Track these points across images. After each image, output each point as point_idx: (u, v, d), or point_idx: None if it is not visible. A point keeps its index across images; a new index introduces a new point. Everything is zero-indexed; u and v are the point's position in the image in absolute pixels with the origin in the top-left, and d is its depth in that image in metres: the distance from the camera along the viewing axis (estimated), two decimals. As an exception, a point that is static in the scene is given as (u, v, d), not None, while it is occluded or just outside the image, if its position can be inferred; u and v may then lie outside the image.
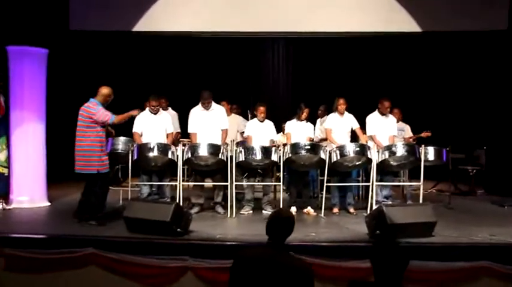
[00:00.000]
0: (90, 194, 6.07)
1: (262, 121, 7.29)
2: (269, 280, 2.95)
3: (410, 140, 8.38)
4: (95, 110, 5.99)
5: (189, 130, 7.14)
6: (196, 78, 11.40)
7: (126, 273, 4.89)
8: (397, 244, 2.86)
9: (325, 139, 7.60)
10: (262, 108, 7.26)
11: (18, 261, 4.93)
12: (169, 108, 8.31)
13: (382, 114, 7.28)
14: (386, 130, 7.29)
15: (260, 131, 7.26)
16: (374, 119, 7.30)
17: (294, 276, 2.95)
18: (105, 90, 6.18)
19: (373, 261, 2.81)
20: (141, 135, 7.14)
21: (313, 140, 7.42)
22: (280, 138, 8.87)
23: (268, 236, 3.19)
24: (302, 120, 7.28)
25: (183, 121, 8.15)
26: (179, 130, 8.20)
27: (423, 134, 8.51)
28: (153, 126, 7.14)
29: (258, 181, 7.19)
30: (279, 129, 9.05)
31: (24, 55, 7.35)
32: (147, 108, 7.23)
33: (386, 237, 2.90)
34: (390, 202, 7.09)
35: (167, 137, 7.21)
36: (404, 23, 8.89)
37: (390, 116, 7.39)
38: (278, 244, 3.16)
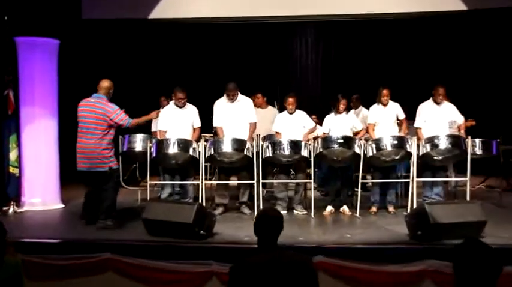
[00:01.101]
0: (101, 193, 6.15)
1: (292, 113, 7.25)
2: (273, 283, 2.98)
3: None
4: (112, 109, 6.08)
5: (215, 124, 7.15)
6: (218, 69, 11.44)
7: (146, 279, 4.91)
8: (487, 245, 2.56)
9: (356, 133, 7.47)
10: (291, 100, 7.20)
11: (30, 267, 5.00)
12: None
13: (436, 102, 7.11)
14: (441, 119, 7.05)
15: (290, 124, 7.20)
16: (425, 108, 7.14)
17: (297, 272, 3.00)
18: (106, 83, 6.25)
19: (458, 267, 2.53)
20: (166, 133, 7.13)
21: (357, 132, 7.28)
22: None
23: (258, 238, 3.21)
24: (341, 112, 7.18)
25: (205, 115, 8.16)
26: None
27: (467, 123, 8.30)
28: (180, 121, 7.08)
29: (289, 178, 7.18)
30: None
31: (34, 46, 7.47)
32: (172, 102, 7.20)
33: (472, 237, 2.59)
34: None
35: (194, 131, 7.15)
36: (448, 1, 8.72)
37: (446, 103, 7.15)
38: (270, 244, 3.18)
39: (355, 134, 7.20)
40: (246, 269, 3.10)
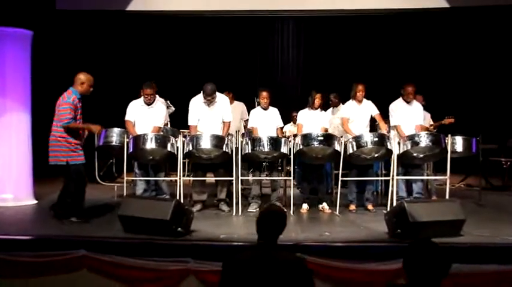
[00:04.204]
0: (63, 188, 6.18)
1: (266, 109, 7.27)
2: (266, 282, 3.00)
3: (431, 128, 8.32)
4: (64, 101, 6.03)
5: (190, 122, 7.13)
6: (197, 63, 11.41)
7: (122, 277, 4.90)
8: (436, 244, 2.79)
9: None
10: (265, 94, 7.22)
11: (2, 265, 4.96)
12: (157, 96, 8.23)
13: (407, 101, 7.22)
14: (411, 119, 7.20)
15: (265, 120, 7.24)
16: (397, 107, 7.24)
17: (292, 274, 3.02)
18: (79, 75, 6.19)
19: (407, 264, 2.77)
20: (134, 126, 7.12)
21: (327, 130, 7.37)
22: (290, 128, 8.87)
23: (259, 236, 3.24)
24: (316, 108, 7.23)
25: (182, 109, 8.15)
26: (168, 120, 8.17)
27: (445, 121, 8.41)
28: (145, 119, 7.07)
29: (266, 175, 7.21)
30: (289, 118, 9.06)
31: (6, 37, 7.35)
32: (142, 98, 7.16)
33: (423, 236, 2.78)
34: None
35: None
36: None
37: (415, 102, 7.30)
38: (270, 243, 3.21)
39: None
40: (238, 266, 3.11)
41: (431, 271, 2.69)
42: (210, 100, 6.98)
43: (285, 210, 3.51)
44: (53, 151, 6.07)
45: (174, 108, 8.75)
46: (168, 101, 8.61)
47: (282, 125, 7.48)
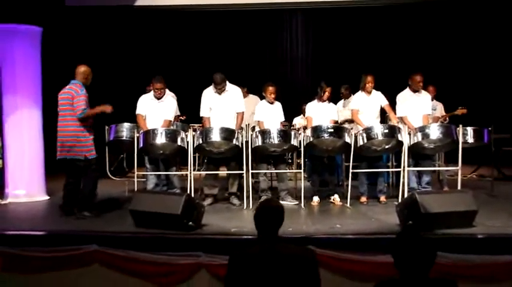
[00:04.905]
0: (79, 183, 6.22)
1: (272, 103, 7.26)
2: (272, 275, 3.00)
3: (442, 119, 8.26)
4: (77, 94, 6.09)
5: (202, 114, 7.12)
6: (206, 57, 11.39)
7: (133, 271, 4.91)
8: (420, 235, 2.84)
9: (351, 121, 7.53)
10: (272, 89, 7.20)
11: (15, 260, 4.99)
12: (167, 90, 8.24)
13: (414, 91, 7.14)
14: (419, 109, 7.11)
15: (271, 114, 7.24)
16: (404, 97, 7.15)
17: (297, 264, 3.02)
18: (82, 68, 6.26)
19: (395, 256, 2.81)
20: (145, 120, 7.12)
21: (337, 122, 7.34)
22: (300, 121, 8.83)
23: (258, 230, 3.24)
24: (324, 100, 7.20)
25: (192, 103, 8.15)
26: (178, 113, 8.17)
27: (458, 111, 8.34)
28: (155, 113, 7.08)
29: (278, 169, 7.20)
30: (299, 111, 9.03)
31: (15, 34, 7.38)
32: (152, 92, 7.19)
33: (408, 229, 2.83)
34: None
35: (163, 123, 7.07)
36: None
37: (423, 92, 7.20)
38: (271, 237, 3.21)
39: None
40: (244, 260, 3.11)
41: (419, 262, 2.73)
42: (220, 89, 6.98)
43: (282, 204, 3.48)
44: (72, 146, 6.10)
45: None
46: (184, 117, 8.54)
47: (283, 119, 7.46)
